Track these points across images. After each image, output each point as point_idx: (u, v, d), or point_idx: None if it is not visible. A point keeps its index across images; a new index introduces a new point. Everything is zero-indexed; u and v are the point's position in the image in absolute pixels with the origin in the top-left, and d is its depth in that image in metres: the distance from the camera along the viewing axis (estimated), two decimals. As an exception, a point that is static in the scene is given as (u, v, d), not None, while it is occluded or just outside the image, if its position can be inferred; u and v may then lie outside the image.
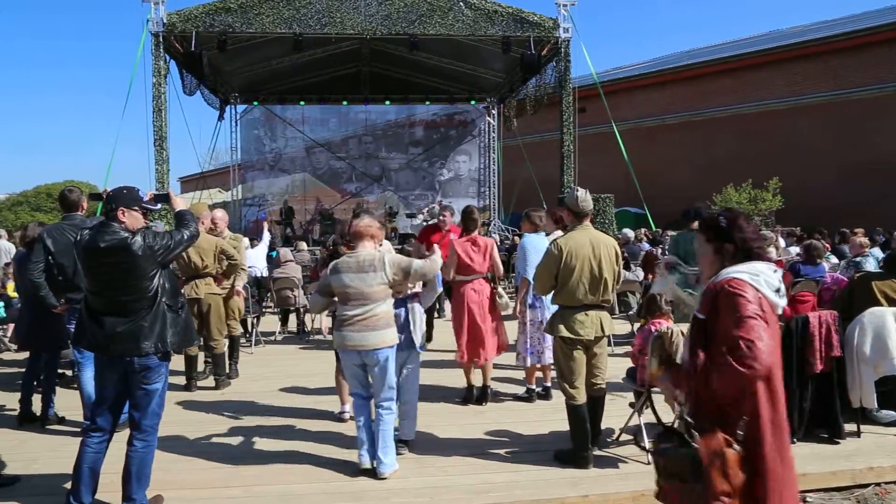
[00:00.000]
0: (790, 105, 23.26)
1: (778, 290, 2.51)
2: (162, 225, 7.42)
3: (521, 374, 6.53)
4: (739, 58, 25.53)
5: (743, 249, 2.56)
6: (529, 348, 6.03)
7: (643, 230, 14.05)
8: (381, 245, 4.61)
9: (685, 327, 4.49)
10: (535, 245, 5.95)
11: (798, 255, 9.07)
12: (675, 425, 2.58)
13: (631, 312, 8.49)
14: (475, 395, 6.12)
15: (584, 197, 4.46)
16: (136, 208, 3.74)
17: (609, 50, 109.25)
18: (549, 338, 5.90)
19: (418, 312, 4.92)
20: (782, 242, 12.17)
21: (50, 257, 5.20)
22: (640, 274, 8.75)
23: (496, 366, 7.03)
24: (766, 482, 2.33)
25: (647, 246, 11.77)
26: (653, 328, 4.50)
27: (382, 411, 4.47)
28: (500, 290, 6.14)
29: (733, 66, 25.44)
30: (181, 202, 4.24)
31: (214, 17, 15.22)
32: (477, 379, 6.22)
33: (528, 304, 5.98)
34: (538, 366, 6.09)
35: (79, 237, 3.69)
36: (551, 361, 6.02)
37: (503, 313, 6.27)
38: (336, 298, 4.50)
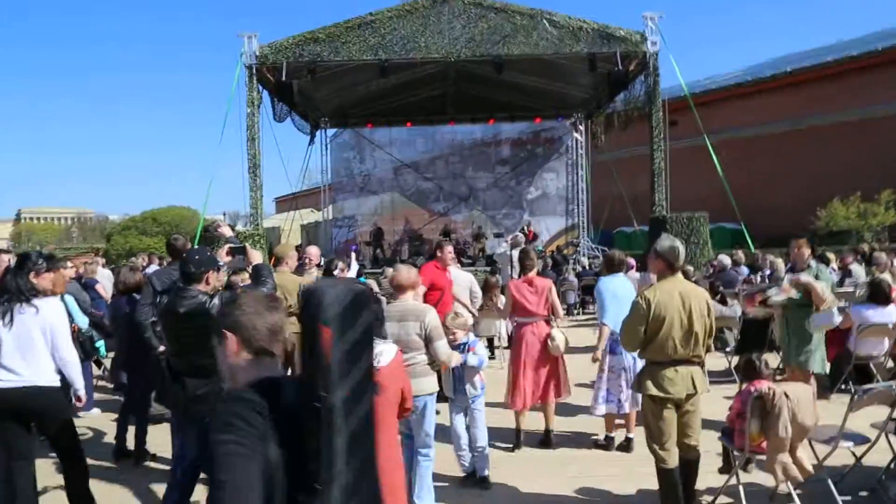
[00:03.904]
0: (904, 110, 21.67)
1: None
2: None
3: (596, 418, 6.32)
4: (844, 61, 24.01)
5: None
6: (605, 396, 5.84)
7: (740, 252, 13.28)
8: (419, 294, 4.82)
9: (790, 388, 4.14)
10: (610, 289, 5.82)
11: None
12: None
13: (728, 349, 8.00)
14: (522, 440, 6.01)
15: (680, 250, 4.17)
16: (214, 270, 3.79)
17: (700, 57, 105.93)
18: (629, 386, 5.66)
19: (469, 361, 5.02)
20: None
21: (158, 297, 5.34)
22: (738, 309, 8.19)
23: (576, 408, 6.91)
24: None
25: (745, 271, 11.10)
26: (752, 389, 4.15)
27: (420, 457, 4.49)
28: (553, 332, 5.93)
29: (837, 70, 23.96)
30: (257, 255, 4.28)
31: (304, 48, 15.68)
32: (536, 423, 6.11)
33: (608, 349, 5.77)
34: (619, 414, 5.87)
35: (158, 301, 3.75)
36: (629, 411, 5.78)
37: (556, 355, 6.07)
38: None
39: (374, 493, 1.66)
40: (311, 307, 1.51)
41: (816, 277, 5.79)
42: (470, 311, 7.53)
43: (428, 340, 4.41)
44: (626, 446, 5.84)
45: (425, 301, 6.92)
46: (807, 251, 6.08)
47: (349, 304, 1.52)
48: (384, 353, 3.29)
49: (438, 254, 7.38)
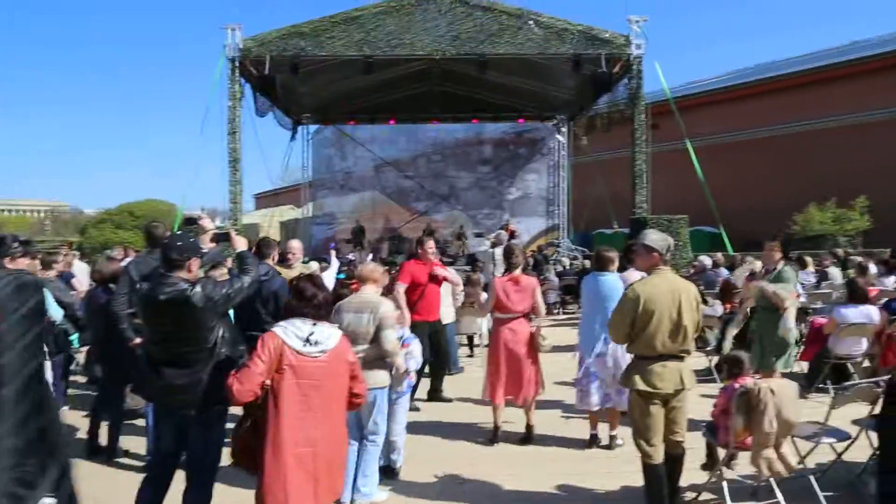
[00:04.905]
0: (881, 118, 21.96)
1: (307, 340, 3.28)
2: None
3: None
4: (824, 69, 24.34)
5: (287, 308, 3.46)
6: (589, 393, 5.86)
7: (720, 254, 13.39)
8: (380, 289, 4.89)
9: (775, 383, 4.14)
10: (591, 288, 5.90)
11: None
12: None
13: (709, 349, 8.03)
14: (499, 437, 6.01)
15: (671, 243, 4.18)
16: (197, 258, 3.68)
17: (682, 62, 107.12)
18: (595, 381, 5.68)
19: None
20: (874, 269, 11.33)
21: (138, 284, 5.19)
22: (719, 309, 8.23)
23: (557, 406, 7.00)
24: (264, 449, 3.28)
25: (725, 272, 11.18)
26: (737, 385, 4.15)
27: (367, 443, 4.58)
28: (543, 332, 6.04)
29: (817, 77, 24.26)
30: (242, 242, 4.17)
31: (287, 42, 15.51)
32: (517, 420, 6.12)
33: (589, 347, 5.83)
34: (602, 412, 5.87)
35: (138, 286, 3.65)
36: (612, 408, 5.75)
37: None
38: None
39: (50, 420, 2.26)
40: None
41: (778, 278, 5.96)
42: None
43: (378, 329, 4.44)
44: (609, 444, 5.82)
45: (408, 298, 6.88)
46: (777, 254, 6.23)
47: (14, 290, 2.03)
48: (331, 337, 3.37)
49: (419, 250, 7.33)
